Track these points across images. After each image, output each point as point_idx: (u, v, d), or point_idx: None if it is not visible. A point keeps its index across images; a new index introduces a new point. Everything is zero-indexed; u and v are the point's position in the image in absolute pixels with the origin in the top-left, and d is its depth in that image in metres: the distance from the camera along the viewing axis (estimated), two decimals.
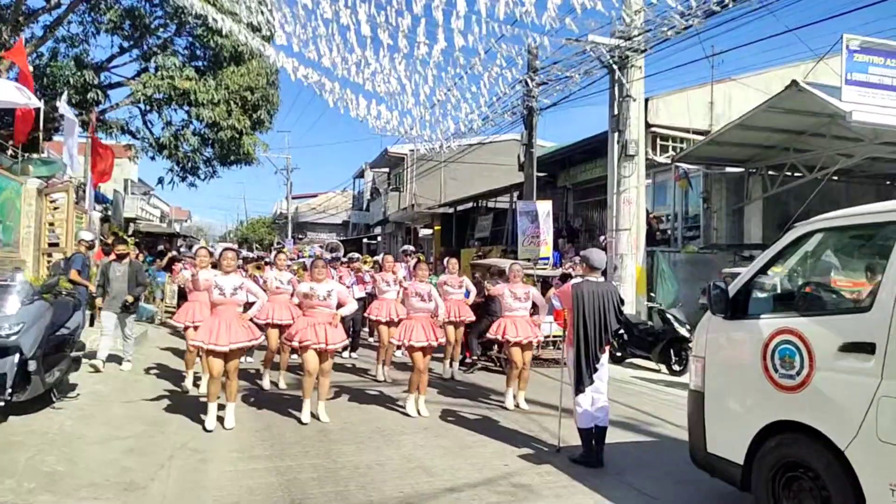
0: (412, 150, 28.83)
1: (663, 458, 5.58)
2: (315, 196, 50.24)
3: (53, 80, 14.85)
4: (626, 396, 7.93)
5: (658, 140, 14.41)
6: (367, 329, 11.91)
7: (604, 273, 5.79)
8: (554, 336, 10.34)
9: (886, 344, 3.18)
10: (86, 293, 8.48)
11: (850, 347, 3.37)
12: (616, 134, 11.67)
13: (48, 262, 10.05)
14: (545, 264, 13.39)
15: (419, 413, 6.86)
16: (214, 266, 6.74)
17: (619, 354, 10.26)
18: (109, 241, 11.26)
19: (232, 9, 12.11)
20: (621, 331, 7.35)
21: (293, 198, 45.72)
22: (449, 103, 13.40)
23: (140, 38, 15.99)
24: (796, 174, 13.32)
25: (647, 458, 5.57)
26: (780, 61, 17.21)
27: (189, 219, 65.92)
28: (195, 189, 19.20)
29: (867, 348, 3.27)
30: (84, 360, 7.07)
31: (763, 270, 4.11)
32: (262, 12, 10.67)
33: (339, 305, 6.59)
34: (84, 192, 12.75)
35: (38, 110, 10.09)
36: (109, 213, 19.36)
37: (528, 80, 13.76)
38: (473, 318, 9.28)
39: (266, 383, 8.09)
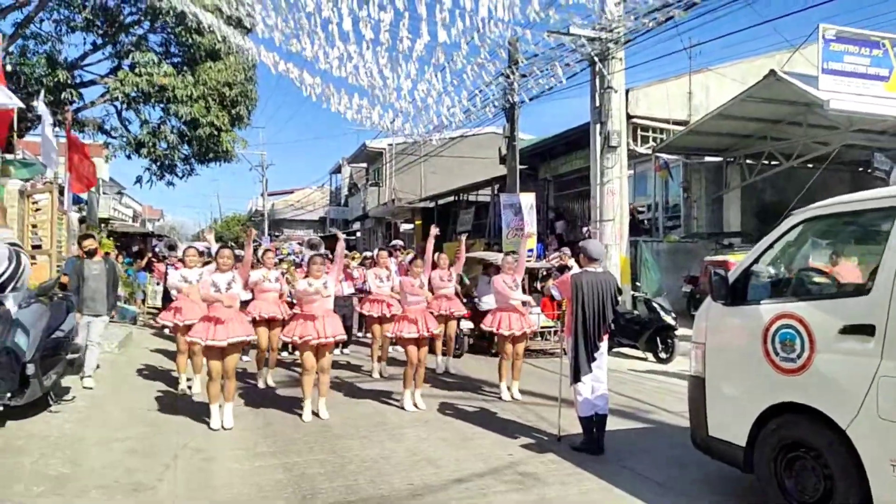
0: (391, 145, 28.79)
1: (662, 443, 5.72)
2: (291, 192, 49.89)
3: (24, 79, 14.54)
4: (617, 385, 8.04)
5: (639, 131, 14.61)
6: (355, 326, 11.90)
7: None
8: (542, 327, 10.45)
9: (886, 325, 3.32)
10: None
11: (851, 329, 3.50)
12: (598, 125, 11.78)
13: (33, 263, 9.85)
14: (529, 256, 13.51)
15: (416, 406, 6.91)
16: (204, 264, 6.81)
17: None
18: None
19: (213, 4, 11.98)
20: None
21: (269, 195, 45.33)
22: (430, 97, 13.46)
23: (114, 35, 15.69)
24: (773, 162, 13.63)
25: (646, 444, 5.70)
26: (755, 52, 17.53)
27: (161, 218, 65.01)
28: (173, 187, 18.87)
29: (867, 330, 3.41)
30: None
31: (761, 257, 4.23)
32: (243, 4, 10.56)
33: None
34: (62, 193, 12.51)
35: (14, 110, 9.89)
36: (84, 213, 19.00)
37: (510, 74, 13.82)
38: (465, 312, 9.35)
39: (261, 382, 8.07)
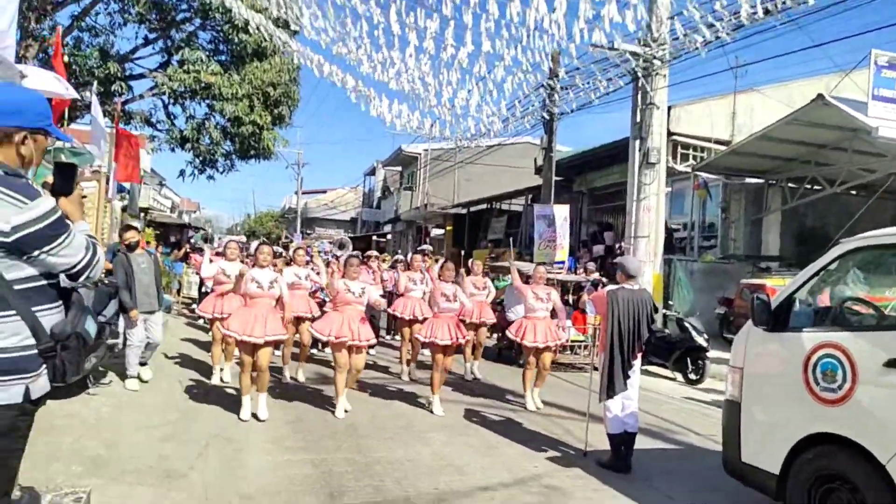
0: (426, 150, 28.96)
1: (690, 465, 5.65)
2: (325, 192, 50.44)
3: (77, 70, 14.97)
4: (645, 403, 7.94)
5: (679, 148, 14.47)
6: (384, 327, 12.00)
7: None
8: (572, 341, 10.40)
9: None
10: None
11: None
12: (638, 141, 11.70)
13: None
14: (560, 268, 13.46)
15: (432, 412, 6.94)
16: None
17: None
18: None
19: (261, 4, 12.23)
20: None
21: (303, 193, 45.89)
22: (470, 105, 13.52)
23: (166, 30, 16.10)
24: (816, 187, 13.37)
25: (674, 466, 5.64)
26: (802, 74, 17.26)
27: (198, 210, 66.18)
28: (213, 181, 19.24)
29: None
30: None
31: (806, 284, 4.17)
32: (291, 8, 10.77)
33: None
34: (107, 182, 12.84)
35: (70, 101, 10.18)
36: (126, 202, 19.49)
37: (551, 86, 13.82)
38: (494, 320, 9.36)
39: (287, 376, 8.18)
